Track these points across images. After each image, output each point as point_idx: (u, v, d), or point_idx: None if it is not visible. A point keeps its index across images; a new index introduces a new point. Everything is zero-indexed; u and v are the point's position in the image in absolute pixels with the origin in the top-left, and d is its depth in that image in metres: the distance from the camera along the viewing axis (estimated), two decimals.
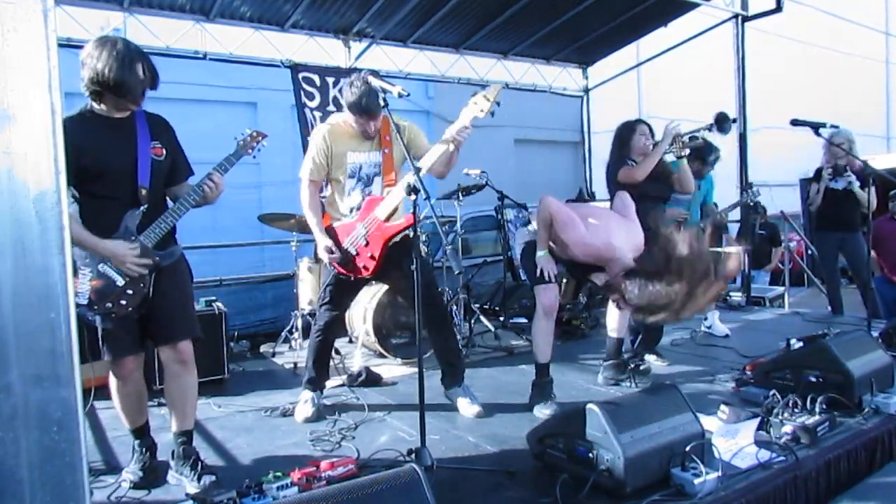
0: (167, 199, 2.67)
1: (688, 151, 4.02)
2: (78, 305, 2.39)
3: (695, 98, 12.06)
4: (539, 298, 3.53)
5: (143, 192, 2.52)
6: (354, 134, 3.32)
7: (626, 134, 4.03)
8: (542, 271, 3.46)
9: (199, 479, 2.54)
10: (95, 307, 2.42)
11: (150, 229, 2.51)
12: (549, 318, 3.53)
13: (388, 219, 3.23)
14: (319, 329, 3.51)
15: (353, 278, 3.36)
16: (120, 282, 2.45)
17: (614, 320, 3.85)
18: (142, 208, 2.51)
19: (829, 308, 5.92)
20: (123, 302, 2.46)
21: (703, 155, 4.64)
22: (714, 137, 4.31)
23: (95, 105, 2.49)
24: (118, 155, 2.49)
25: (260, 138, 2.73)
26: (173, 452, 2.69)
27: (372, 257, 3.25)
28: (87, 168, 2.41)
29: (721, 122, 4.10)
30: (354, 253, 3.28)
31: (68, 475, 1.20)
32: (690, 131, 4.11)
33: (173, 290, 2.60)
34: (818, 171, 5.49)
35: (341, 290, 3.46)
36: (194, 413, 2.75)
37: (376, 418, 3.43)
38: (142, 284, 2.49)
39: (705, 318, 5.34)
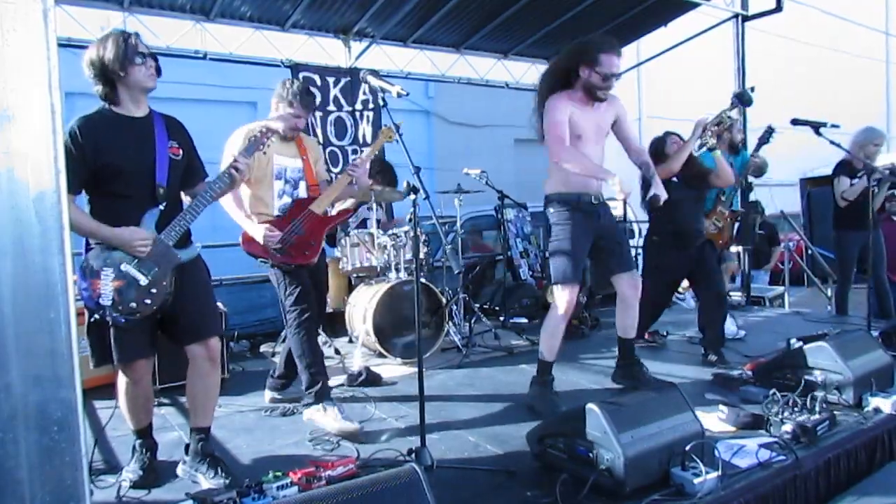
0: (182, 199, 2.69)
1: (715, 140, 4.12)
2: (101, 306, 2.40)
3: (695, 98, 12.04)
4: (563, 296, 3.48)
5: (161, 190, 2.54)
6: (277, 139, 3.34)
7: (659, 146, 4.39)
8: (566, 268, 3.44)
9: (218, 476, 2.55)
10: (120, 307, 2.42)
11: (169, 227, 2.53)
12: (567, 317, 3.53)
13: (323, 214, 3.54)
14: (298, 326, 3.35)
15: (293, 266, 3.38)
16: (143, 281, 2.45)
17: (620, 318, 3.75)
18: (160, 207, 2.53)
19: (835, 308, 5.84)
20: (148, 301, 2.46)
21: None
22: (737, 113, 4.40)
23: (113, 107, 2.51)
24: (138, 153, 2.51)
25: (270, 133, 2.87)
26: (187, 448, 2.70)
27: (311, 244, 3.47)
28: (108, 165, 2.42)
29: (741, 97, 4.27)
30: (293, 242, 3.36)
31: (68, 475, 1.20)
32: (714, 116, 4.16)
33: (199, 289, 2.63)
34: (843, 164, 5.35)
35: (298, 282, 3.41)
36: (214, 410, 2.77)
37: (376, 418, 3.43)
38: (164, 283, 2.49)
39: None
